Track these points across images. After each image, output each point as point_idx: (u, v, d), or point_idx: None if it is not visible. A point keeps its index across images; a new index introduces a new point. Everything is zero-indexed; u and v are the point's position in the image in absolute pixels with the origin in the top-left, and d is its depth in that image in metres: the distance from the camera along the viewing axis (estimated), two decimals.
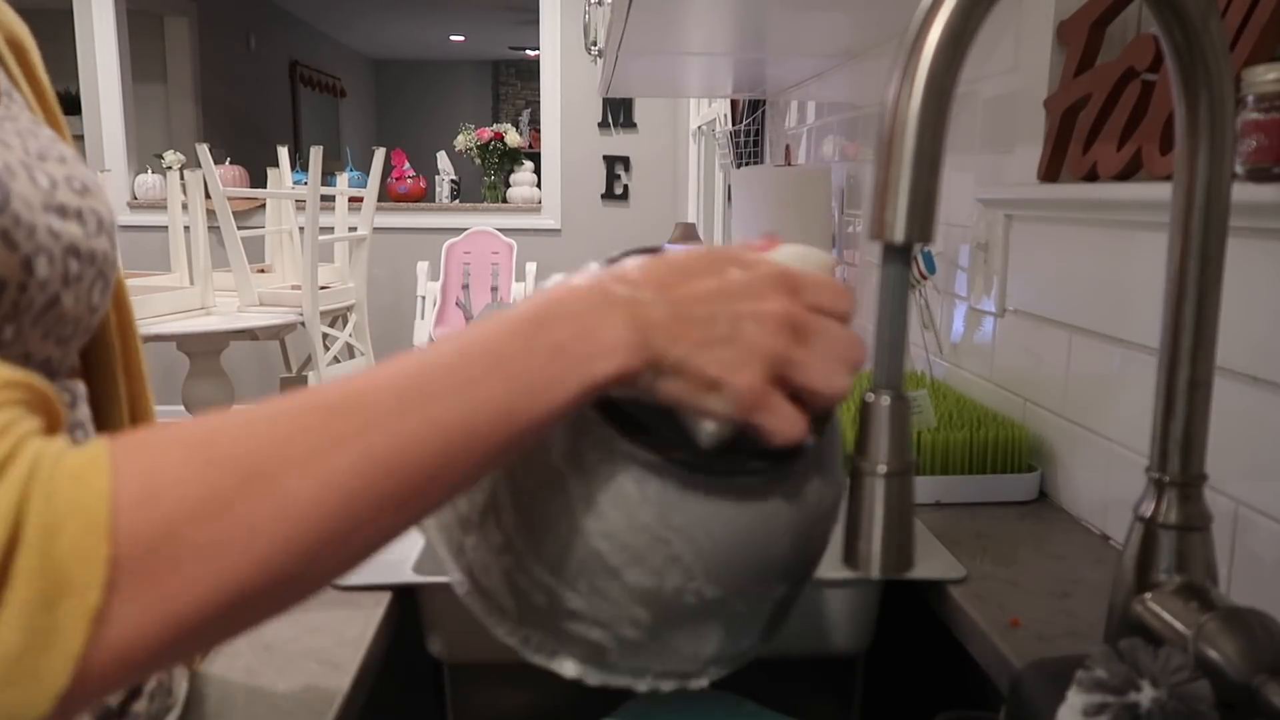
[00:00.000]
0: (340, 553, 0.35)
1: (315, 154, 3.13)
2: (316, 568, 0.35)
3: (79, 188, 0.49)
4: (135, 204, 4.56)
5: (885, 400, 0.42)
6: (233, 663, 0.64)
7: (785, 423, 0.43)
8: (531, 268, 4.60)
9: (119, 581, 0.31)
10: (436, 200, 5.10)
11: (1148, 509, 0.53)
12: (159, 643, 0.32)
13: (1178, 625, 0.49)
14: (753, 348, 0.42)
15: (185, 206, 3.32)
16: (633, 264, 0.44)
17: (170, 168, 4.42)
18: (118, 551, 0.31)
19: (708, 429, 0.43)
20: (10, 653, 0.29)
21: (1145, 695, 0.43)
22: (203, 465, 0.33)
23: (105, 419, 0.55)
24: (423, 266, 4.56)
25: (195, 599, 0.32)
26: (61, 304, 0.46)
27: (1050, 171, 0.95)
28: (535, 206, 4.81)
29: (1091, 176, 0.89)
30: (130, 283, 0.55)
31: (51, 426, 0.37)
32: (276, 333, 3.44)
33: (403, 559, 0.78)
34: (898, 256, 0.42)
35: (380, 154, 3.71)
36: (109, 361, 0.55)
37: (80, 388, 0.52)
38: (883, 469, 0.42)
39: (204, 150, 3.20)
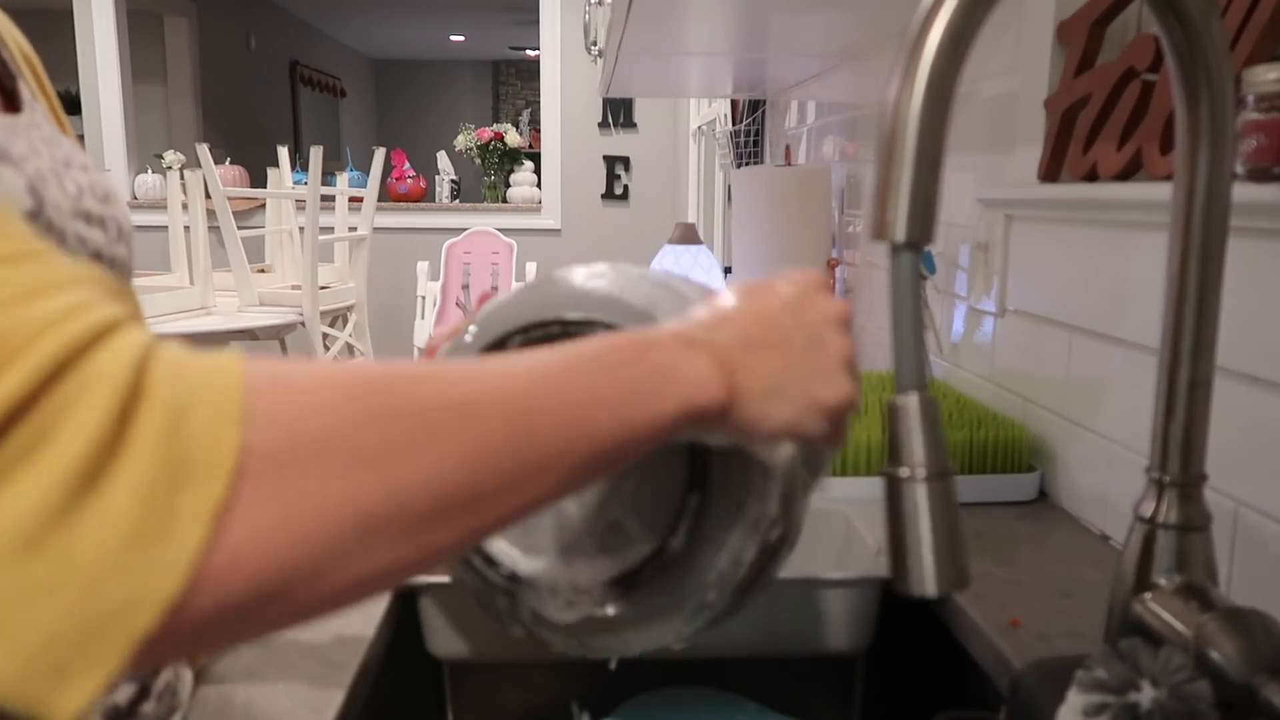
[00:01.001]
0: (467, 520, 0.33)
1: (315, 154, 3.13)
2: (442, 526, 0.32)
3: (101, 195, 0.49)
4: (135, 204, 4.56)
5: (914, 401, 0.40)
6: (234, 663, 0.64)
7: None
8: (531, 268, 4.60)
9: (248, 475, 0.27)
10: (436, 200, 5.10)
11: (1148, 509, 0.53)
12: (277, 559, 0.28)
13: (1178, 625, 0.49)
14: (837, 352, 0.44)
15: (185, 206, 3.32)
16: (700, 311, 0.45)
17: (170, 168, 4.42)
18: (250, 442, 0.28)
19: (783, 453, 0.45)
20: (125, 534, 0.25)
21: (1145, 695, 0.43)
22: (344, 394, 0.31)
23: None
24: (423, 266, 4.56)
25: (322, 511, 0.29)
26: None
27: (1050, 171, 0.95)
28: (535, 206, 4.81)
29: (1091, 176, 0.89)
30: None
31: None
32: (277, 333, 3.44)
33: None
34: (905, 255, 0.41)
35: (380, 154, 3.71)
36: None
37: None
38: (922, 472, 0.39)
39: (204, 150, 3.20)
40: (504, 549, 0.54)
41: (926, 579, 0.38)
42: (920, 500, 0.39)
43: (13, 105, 0.51)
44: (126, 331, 0.28)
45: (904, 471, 0.40)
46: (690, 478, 0.49)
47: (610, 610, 0.50)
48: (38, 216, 0.41)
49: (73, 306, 0.28)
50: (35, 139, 0.47)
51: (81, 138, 4.50)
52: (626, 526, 0.52)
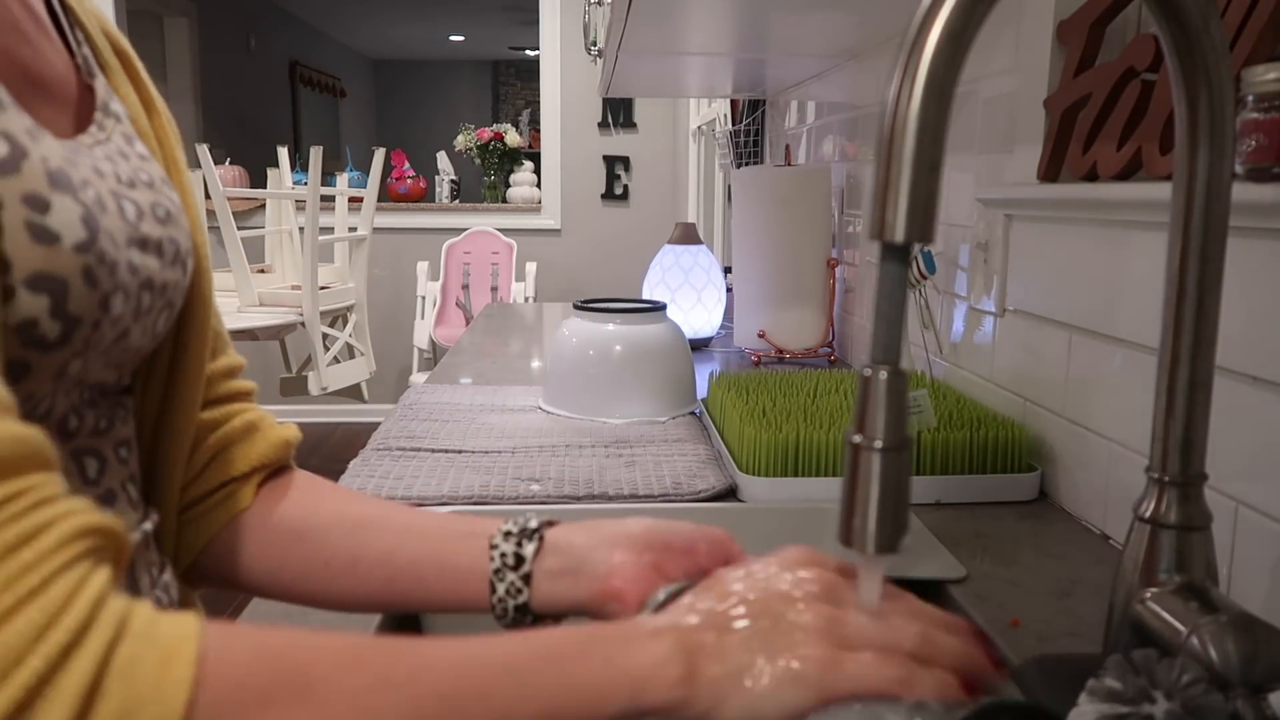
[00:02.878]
0: None
1: (315, 154, 3.13)
2: None
3: (163, 215, 0.48)
4: None
5: (882, 375, 0.41)
6: None
7: (921, 678, 0.41)
8: (531, 268, 4.60)
9: None
10: (436, 200, 5.11)
11: (1148, 509, 0.53)
12: None
13: (1178, 625, 0.49)
14: (804, 623, 0.42)
15: None
16: (683, 601, 0.45)
17: None
18: None
19: None
20: None
21: (1159, 708, 0.43)
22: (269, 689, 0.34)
23: (152, 435, 0.54)
24: (423, 266, 4.56)
25: None
26: (130, 337, 0.46)
27: (1050, 171, 0.95)
28: (535, 206, 4.81)
29: (1091, 176, 0.89)
30: None
31: (119, 561, 0.36)
32: (276, 333, 3.44)
33: None
34: (896, 254, 0.41)
35: (380, 154, 3.71)
36: (158, 379, 0.54)
37: (129, 404, 0.51)
38: (879, 444, 0.41)
39: (204, 150, 3.20)
40: None
41: (868, 540, 0.41)
42: (875, 468, 0.41)
43: (86, 112, 0.49)
44: (94, 632, 0.31)
45: (864, 439, 0.41)
46: None
47: None
48: (89, 248, 0.40)
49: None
50: (100, 157, 0.46)
51: None
52: None
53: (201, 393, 0.56)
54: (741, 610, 0.42)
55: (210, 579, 0.59)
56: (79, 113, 0.49)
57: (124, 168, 0.47)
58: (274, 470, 0.60)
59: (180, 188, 0.54)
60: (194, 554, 0.58)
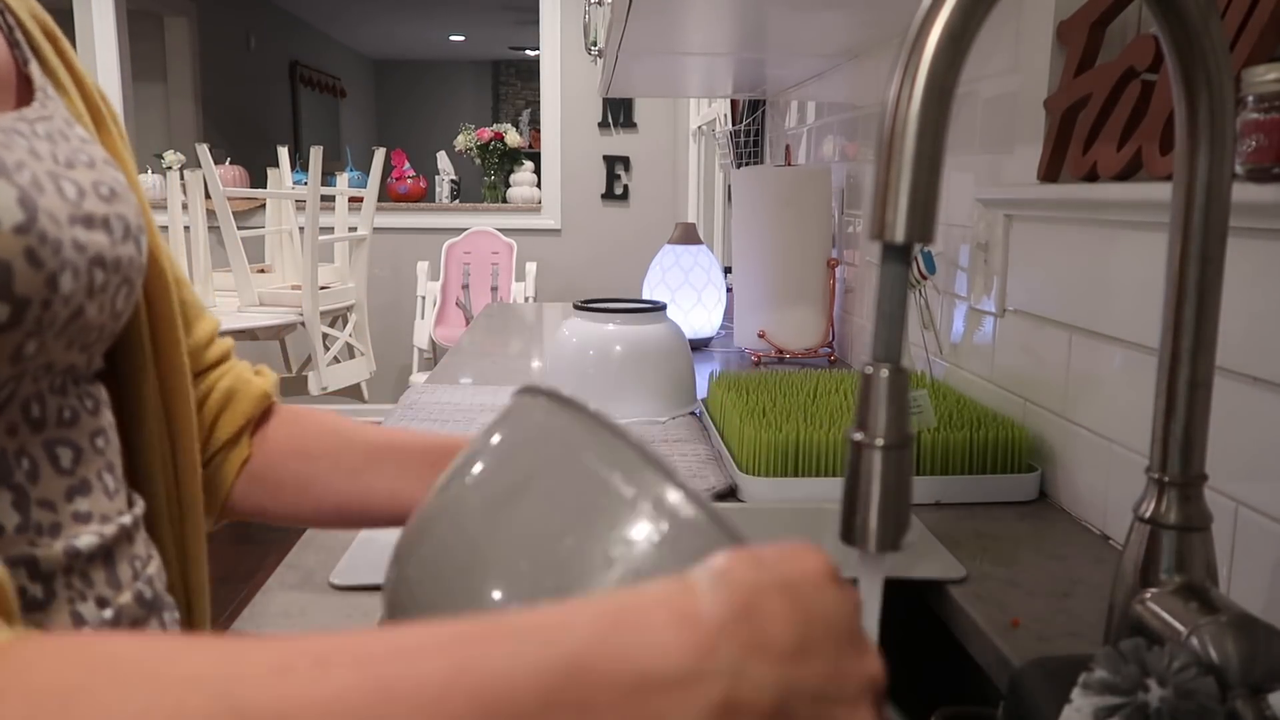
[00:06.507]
0: None
1: (315, 154, 3.13)
2: None
3: (106, 193, 0.48)
4: None
5: (884, 373, 0.41)
6: None
7: None
8: (531, 268, 4.60)
9: None
10: (436, 200, 5.10)
11: (1148, 509, 0.53)
12: None
13: (1178, 625, 0.49)
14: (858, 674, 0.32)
15: (185, 206, 3.32)
16: (727, 601, 0.30)
17: (170, 168, 4.42)
18: None
19: None
20: None
21: (1154, 695, 0.43)
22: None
23: (135, 421, 0.55)
24: (423, 266, 4.56)
25: None
26: (85, 314, 0.46)
27: (1050, 171, 0.95)
28: (535, 206, 4.81)
29: (1091, 176, 0.89)
30: None
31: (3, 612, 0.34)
32: (276, 333, 3.44)
33: None
34: (897, 254, 0.41)
35: (380, 154, 3.71)
36: (138, 363, 0.55)
37: (102, 393, 0.52)
38: (880, 442, 0.41)
39: (204, 150, 3.20)
40: None
41: (869, 537, 0.41)
42: (876, 466, 0.41)
43: (25, 93, 0.50)
44: None
45: (866, 437, 0.41)
46: None
47: None
48: (29, 229, 0.41)
49: None
50: (41, 135, 0.46)
51: None
52: None
53: (186, 371, 0.57)
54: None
55: (247, 515, 0.65)
56: (20, 98, 0.49)
57: (63, 149, 0.47)
58: (261, 417, 0.66)
59: (124, 166, 0.54)
60: (221, 504, 0.63)
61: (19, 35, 0.53)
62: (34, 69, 0.52)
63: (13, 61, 0.51)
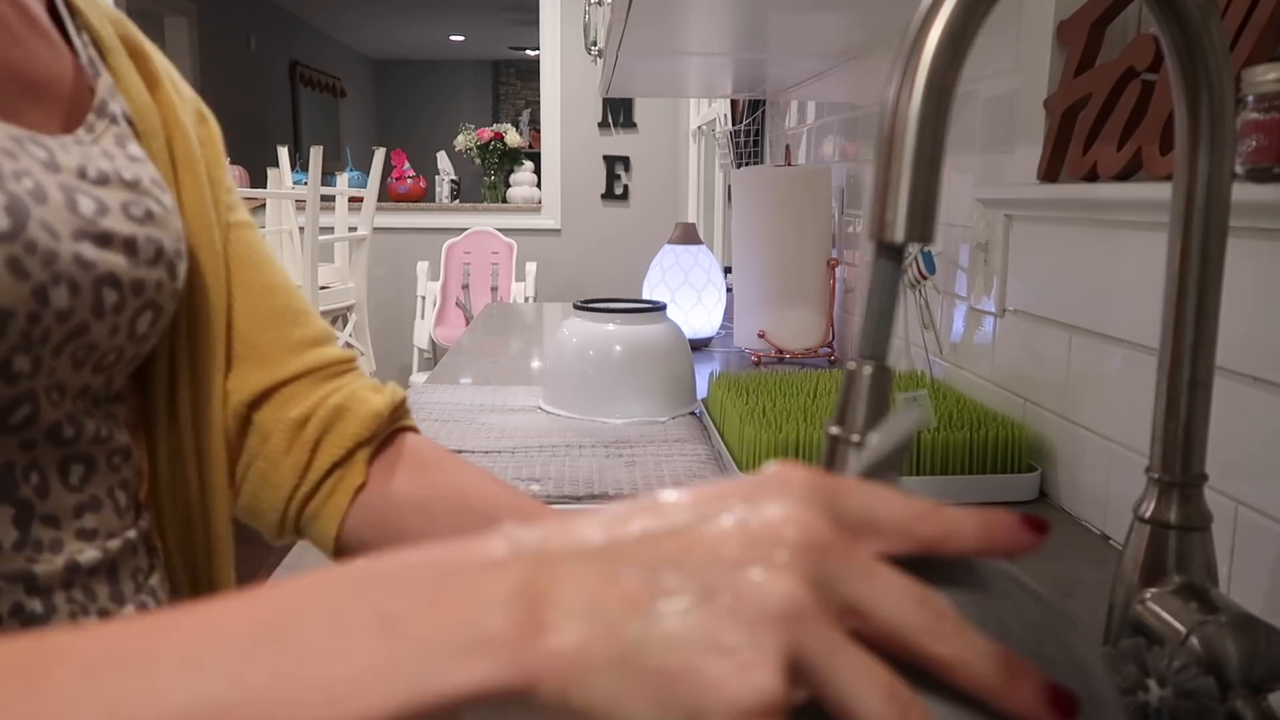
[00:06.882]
0: None
1: (315, 154, 3.13)
2: None
3: (140, 214, 0.47)
4: None
5: (867, 370, 0.41)
6: None
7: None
8: (531, 268, 4.60)
9: None
10: (436, 200, 5.11)
11: (1148, 509, 0.53)
12: None
13: (1178, 625, 0.49)
14: (761, 606, 0.25)
15: None
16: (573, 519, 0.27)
17: None
18: None
19: None
20: None
21: (1154, 695, 0.43)
22: None
23: (161, 442, 0.54)
24: (423, 266, 4.56)
25: None
26: (91, 334, 0.44)
27: (1050, 171, 0.95)
28: (535, 206, 4.81)
29: (1091, 176, 0.89)
30: None
31: None
32: None
33: None
34: (889, 251, 0.41)
35: (380, 154, 3.71)
36: (168, 388, 0.53)
37: (122, 412, 0.51)
38: (857, 438, 0.40)
39: None
40: None
41: None
42: (853, 462, 0.41)
43: (80, 113, 0.48)
44: None
45: (844, 432, 0.41)
46: None
47: None
48: (14, 238, 0.39)
49: None
50: (73, 151, 0.45)
51: None
52: None
53: (216, 403, 0.55)
54: (668, 551, 0.26)
55: (357, 553, 0.58)
56: (73, 113, 0.48)
57: (102, 165, 0.46)
58: (382, 442, 0.60)
59: (190, 192, 0.53)
60: (335, 536, 0.57)
61: (93, 51, 0.51)
62: (102, 84, 0.51)
63: (77, 73, 0.49)
